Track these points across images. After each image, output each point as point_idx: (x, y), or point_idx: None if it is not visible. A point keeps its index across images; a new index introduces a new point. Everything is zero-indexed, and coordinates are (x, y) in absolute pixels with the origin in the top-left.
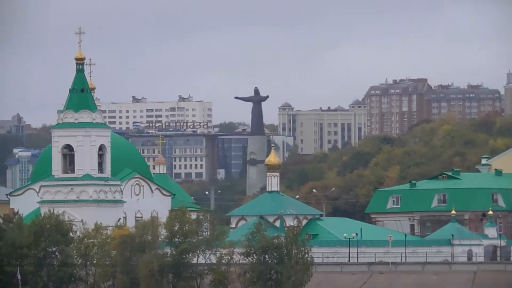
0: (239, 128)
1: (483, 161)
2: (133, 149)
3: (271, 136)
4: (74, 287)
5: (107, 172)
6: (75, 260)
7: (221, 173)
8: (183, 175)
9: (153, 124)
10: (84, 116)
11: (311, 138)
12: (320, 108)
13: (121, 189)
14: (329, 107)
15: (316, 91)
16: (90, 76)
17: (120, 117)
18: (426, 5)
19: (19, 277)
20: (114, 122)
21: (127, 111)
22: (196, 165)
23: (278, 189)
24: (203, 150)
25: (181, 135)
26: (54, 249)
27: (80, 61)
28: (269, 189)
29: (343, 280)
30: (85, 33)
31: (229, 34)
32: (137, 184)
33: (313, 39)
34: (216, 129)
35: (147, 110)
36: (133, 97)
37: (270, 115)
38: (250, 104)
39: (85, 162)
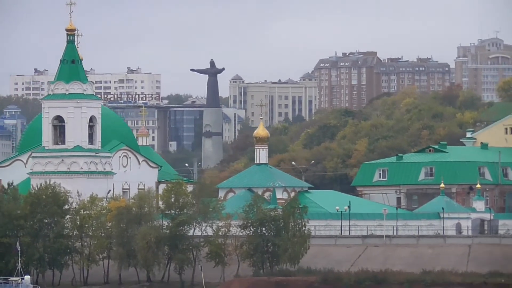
0: (189, 100)
1: (468, 135)
2: (120, 120)
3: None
4: (70, 259)
5: (98, 144)
6: (70, 231)
7: (173, 145)
8: None
9: (104, 96)
10: (75, 87)
11: (261, 110)
12: (265, 80)
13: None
14: (279, 80)
15: (266, 63)
16: (78, 47)
17: None
18: None
19: (18, 248)
20: None
21: None
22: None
23: (267, 162)
24: (155, 122)
25: (133, 107)
26: (49, 220)
27: (70, 32)
28: (258, 162)
29: (339, 253)
30: (75, 4)
31: (169, 7)
32: (124, 155)
33: (263, 10)
34: (166, 101)
35: (96, 82)
36: None
37: (221, 87)
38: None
39: (76, 134)
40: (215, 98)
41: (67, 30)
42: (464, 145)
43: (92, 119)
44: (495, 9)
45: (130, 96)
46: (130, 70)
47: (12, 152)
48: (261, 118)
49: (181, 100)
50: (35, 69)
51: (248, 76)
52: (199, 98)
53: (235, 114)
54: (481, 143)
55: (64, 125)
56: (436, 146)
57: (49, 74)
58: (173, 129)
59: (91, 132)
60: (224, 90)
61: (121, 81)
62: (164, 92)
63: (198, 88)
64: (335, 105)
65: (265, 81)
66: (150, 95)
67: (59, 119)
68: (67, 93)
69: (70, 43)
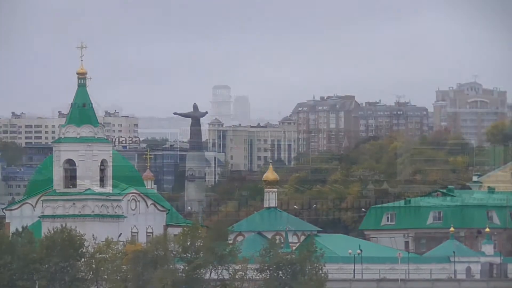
0: (166, 144)
1: (474, 179)
2: (127, 164)
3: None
4: None
5: (108, 187)
6: (86, 275)
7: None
8: None
9: None
10: (86, 131)
11: (241, 154)
12: (240, 124)
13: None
14: (258, 124)
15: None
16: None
17: (46, 132)
18: (354, 22)
19: None
20: (40, 137)
21: (53, 126)
22: None
23: (276, 205)
24: (135, 166)
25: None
26: (65, 264)
27: (81, 76)
28: (267, 205)
29: None
30: (87, 47)
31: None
32: (133, 199)
33: (240, 53)
34: (143, 145)
35: None
36: (59, 112)
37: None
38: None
39: (87, 177)
40: (198, 141)
41: (78, 73)
42: (471, 189)
43: (103, 162)
44: (474, 53)
45: (110, 139)
46: (108, 114)
47: None
48: (270, 162)
49: (158, 143)
50: (13, 113)
51: (227, 120)
52: (177, 142)
53: (215, 157)
54: (488, 187)
55: (75, 169)
56: (444, 190)
57: (26, 117)
58: (153, 172)
59: (102, 175)
60: (203, 134)
61: None
62: (140, 135)
63: (175, 132)
64: (313, 148)
65: (239, 124)
66: (130, 139)
67: (70, 162)
68: (78, 137)
69: (81, 86)
